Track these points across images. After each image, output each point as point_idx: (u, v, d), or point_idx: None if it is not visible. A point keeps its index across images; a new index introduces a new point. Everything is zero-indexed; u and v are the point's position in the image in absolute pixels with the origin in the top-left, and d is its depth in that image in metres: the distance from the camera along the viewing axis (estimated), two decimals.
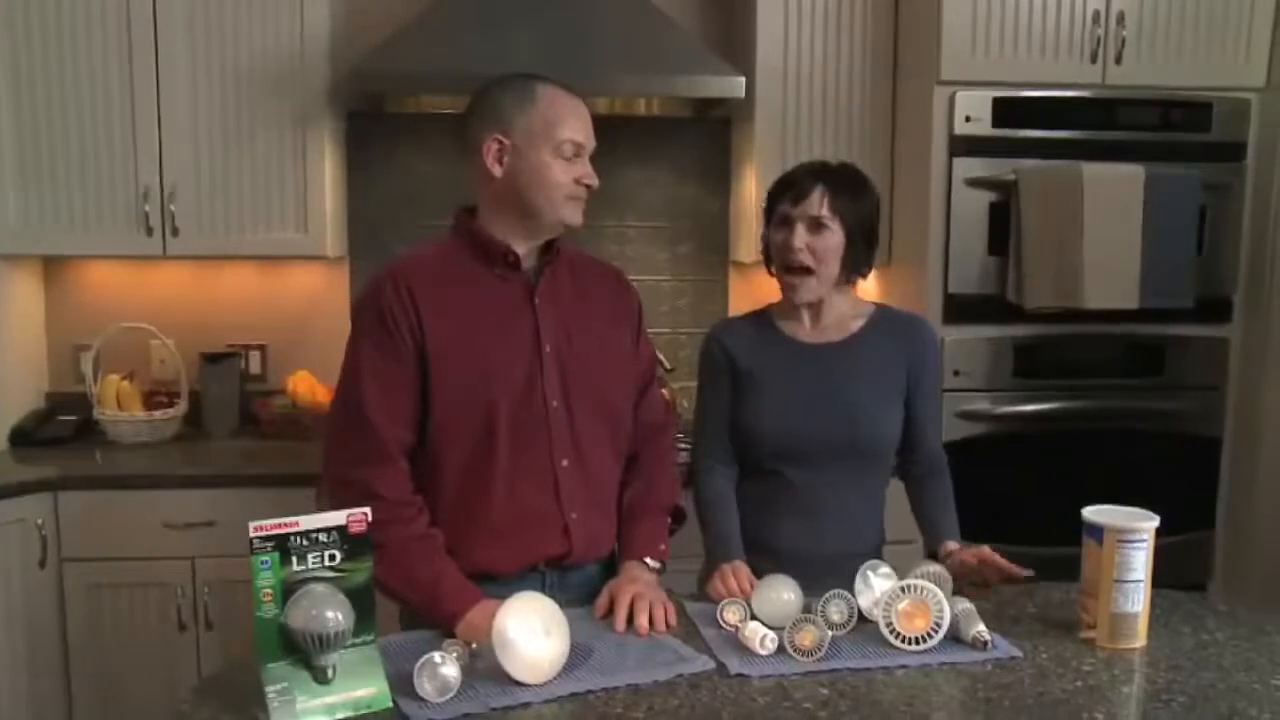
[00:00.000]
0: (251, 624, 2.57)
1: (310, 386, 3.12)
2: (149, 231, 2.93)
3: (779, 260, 2.03)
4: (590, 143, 1.84)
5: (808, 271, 1.99)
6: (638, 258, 3.39)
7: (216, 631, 2.75)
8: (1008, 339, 2.94)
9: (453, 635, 1.65)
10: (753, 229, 3.04)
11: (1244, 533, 3.07)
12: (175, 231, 2.94)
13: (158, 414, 3.04)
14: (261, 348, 3.32)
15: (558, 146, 1.79)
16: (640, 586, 1.80)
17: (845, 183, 2.01)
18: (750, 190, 3.16)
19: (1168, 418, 3.01)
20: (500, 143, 1.81)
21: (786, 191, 2.01)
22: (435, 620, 1.71)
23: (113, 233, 2.94)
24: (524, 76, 1.84)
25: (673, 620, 1.75)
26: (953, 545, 1.98)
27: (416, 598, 1.74)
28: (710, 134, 3.42)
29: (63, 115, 2.90)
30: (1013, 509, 2.78)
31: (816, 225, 1.97)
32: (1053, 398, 2.97)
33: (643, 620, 1.72)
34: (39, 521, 2.66)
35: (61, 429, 3.03)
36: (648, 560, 1.89)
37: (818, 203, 1.97)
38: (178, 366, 3.10)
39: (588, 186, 1.83)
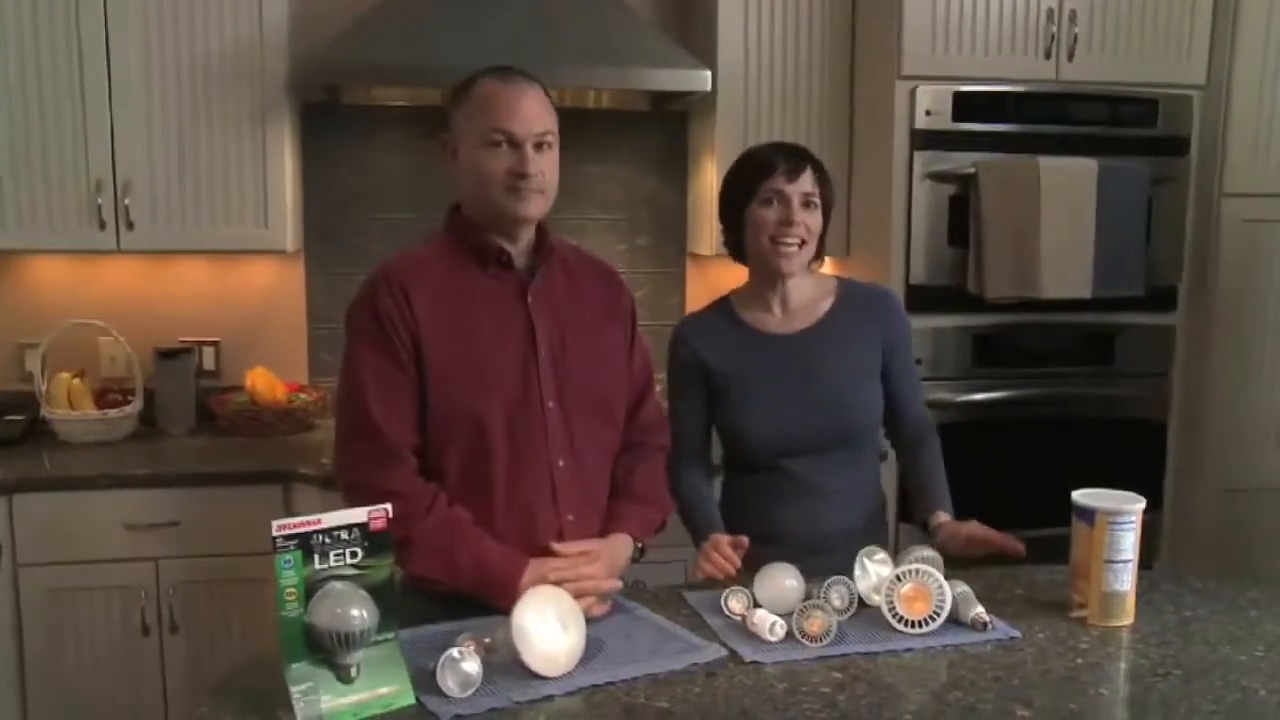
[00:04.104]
0: (214, 626, 2.61)
1: (269, 383, 3.06)
2: (102, 225, 2.84)
3: (769, 235, 2.01)
4: (525, 131, 1.75)
5: (802, 244, 2.01)
6: (596, 250, 3.32)
7: (182, 635, 2.69)
8: (967, 329, 3.01)
9: (467, 629, 1.62)
10: (711, 222, 3.05)
11: (1189, 513, 3.19)
12: (130, 225, 2.85)
13: (112, 412, 2.94)
14: (215, 344, 3.24)
15: (484, 137, 1.76)
16: (607, 553, 1.80)
17: (821, 168, 2.07)
18: (709, 183, 3.17)
19: (1118, 403, 3.11)
20: (445, 140, 1.83)
21: (774, 169, 2.01)
22: (491, 602, 1.68)
23: (63, 227, 2.84)
24: (485, 70, 1.82)
25: (600, 610, 1.73)
26: (944, 517, 2.01)
27: (465, 581, 1.72)
28: (667, 128, 3.42)
29: (7, 104, 2.78)
30: (971, 495, 2.83)
31: (807, 203, 2.01)
32: (1010, 386, 3.04)
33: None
34: None
35: (9, 429, 2.92)
36: (634, 538, 1.88)
37: (810, 180, 2.01)
38: (130, 363, 3.01)
39: (520, 176, 1.75)
